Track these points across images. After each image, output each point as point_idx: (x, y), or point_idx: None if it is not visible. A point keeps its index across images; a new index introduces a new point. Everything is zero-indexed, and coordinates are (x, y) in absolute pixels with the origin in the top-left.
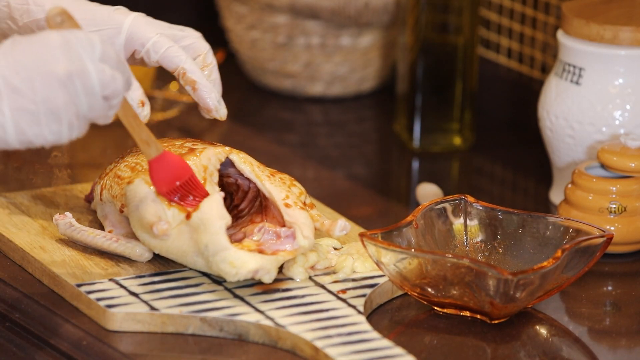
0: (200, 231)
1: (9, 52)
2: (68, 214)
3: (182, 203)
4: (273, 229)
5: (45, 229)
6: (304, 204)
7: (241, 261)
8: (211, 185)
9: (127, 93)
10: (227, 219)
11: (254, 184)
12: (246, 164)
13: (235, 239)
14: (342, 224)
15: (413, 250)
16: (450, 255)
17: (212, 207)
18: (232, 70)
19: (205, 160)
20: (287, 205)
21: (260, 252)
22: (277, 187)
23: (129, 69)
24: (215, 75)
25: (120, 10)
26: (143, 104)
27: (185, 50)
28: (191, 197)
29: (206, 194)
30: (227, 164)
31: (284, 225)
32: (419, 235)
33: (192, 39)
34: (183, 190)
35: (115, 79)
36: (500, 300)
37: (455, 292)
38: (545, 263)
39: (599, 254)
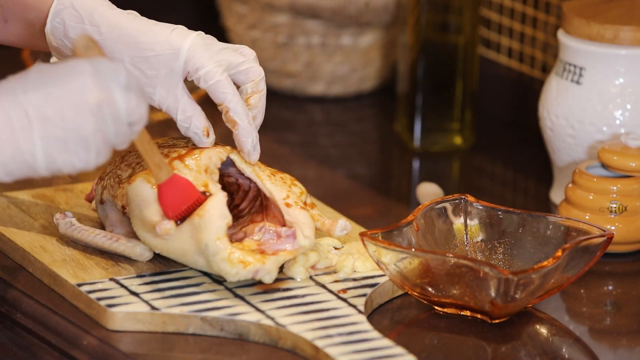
0: (201, 230)
1: (39, 82)
2: (69, 213)
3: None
4: (273, 228)
5: (45, 228)
6: (305, 203)
7: (241, 261)
8: (213, 183)
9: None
10: (228, 218)
11: (255, 183)
12: (247, 164)
13: (235, 239)
14: (342, 224)
15: (413, 249)
16: (450, 255)
17: (214, 207)
18: None
19: (205, 159)
20: (287, 205)
21: (261, 252)
22: (278, 186)
23: (144, 95)
24: (260, 117)
25: (179, 31)
26: (208, 133)
27: (241, 75)
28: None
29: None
30: (228, 163)
31: (284, 225)
32: (420, 235)
33: (248, 63)
34: (189, 213)
35: (140, 105)
36: (500, 300)
37: (455, 291)
38: (545, 263)
39: (599, 253)
